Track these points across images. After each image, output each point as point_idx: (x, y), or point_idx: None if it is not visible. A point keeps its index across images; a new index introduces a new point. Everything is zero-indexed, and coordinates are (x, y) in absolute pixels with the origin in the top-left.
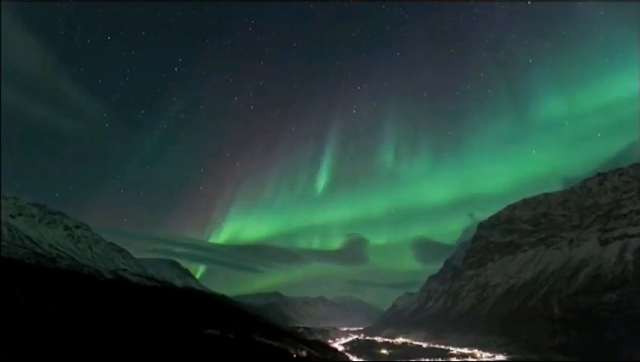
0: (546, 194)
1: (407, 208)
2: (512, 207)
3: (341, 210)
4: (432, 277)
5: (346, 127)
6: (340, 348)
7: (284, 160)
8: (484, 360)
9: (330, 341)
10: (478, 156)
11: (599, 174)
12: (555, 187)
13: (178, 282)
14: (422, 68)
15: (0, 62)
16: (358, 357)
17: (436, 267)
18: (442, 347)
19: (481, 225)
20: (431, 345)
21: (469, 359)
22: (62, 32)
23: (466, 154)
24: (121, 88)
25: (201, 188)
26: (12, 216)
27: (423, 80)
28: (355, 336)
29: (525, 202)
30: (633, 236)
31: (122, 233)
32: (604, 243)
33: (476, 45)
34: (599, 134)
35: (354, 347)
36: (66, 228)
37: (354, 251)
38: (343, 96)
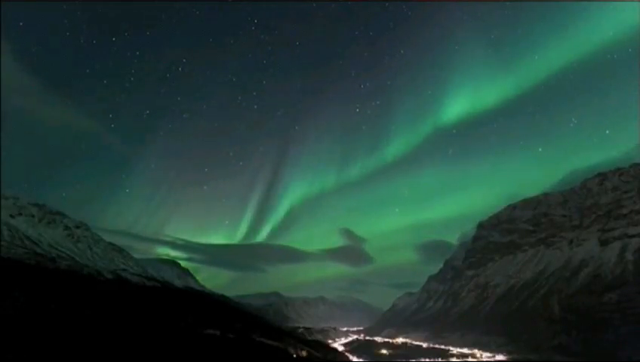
0: (546, 194)
1: (411, 207)
2: (512, 207)
3: (343, 209)
4: (432, 277)
5: (348, 126)
6: (340, 348)
7: (287, 159)
8: (484, 360)
9: (330, 341)
10: (482, 153)
11: (599, 174)
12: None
13: (178, 282)
14: (425, 66)
15: (0, 63)
16: (358, 357)
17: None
18: (442, 347)
19: (481, 225)
20: (431, 345)
21: (469, 359)
22: (67, 34)
23: (470, 150)
24: (125, 88)
25: (205, 187)
26: (12, 216)
27: (427, 78)
28: (355, 336)
29: (525, 202)
30: (633, 236)
31: (122, 233)
32: (604, 243)
33: (480, 43)
34: (607, 131)
35: (354, 347)
36: (66, 228)
37: (353, 250)
38: (346, 94)
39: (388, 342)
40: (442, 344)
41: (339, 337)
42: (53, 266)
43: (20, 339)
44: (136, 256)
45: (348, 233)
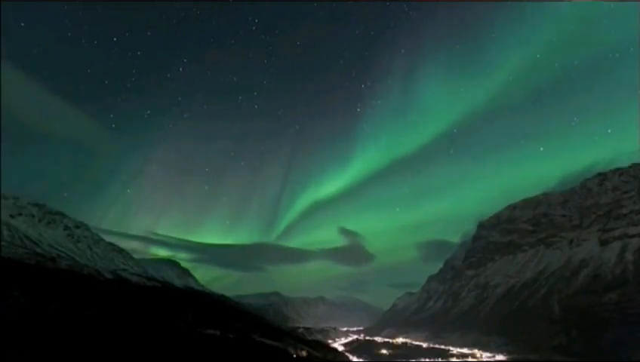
0: (546, 194)
1: (411, 207)
2: (512, 207)
3: (344, 208)
4: (432, 277)
5: (349, 125)
6: (340, 348)
7: (288, 159)
8: (484, 360)
9: (330, 341)
10: (483, 153)
11: (599, 174)
12: (556, 186)
13: (178, 282)
14: (427, 65)
15: (0, 61)
16: (358, 357)
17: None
18: (442, 347)
19: (481, 225)
20: (431, 345)
21: (469, 359)
22: (69, 34)
23: (471, 150)
24: (126, 88)
25: (206, 187)
26: (12, 216)
27: (428, 77)
28: (355, 336)
29: (525, 202)
30: (633, 236)
31: (123, 233)
32: (604, 243)
33: (481, 42)
34: (609, 130)
35: (354, 347)
36: (66, 228)
37: (354, 250)
38: (347, 94)
39: (388, 342)
40: (442, 344)
41: (339, 337)
42: (53, 266)
43: (20, 339)
44: (136, 255)
45: (349, 233)
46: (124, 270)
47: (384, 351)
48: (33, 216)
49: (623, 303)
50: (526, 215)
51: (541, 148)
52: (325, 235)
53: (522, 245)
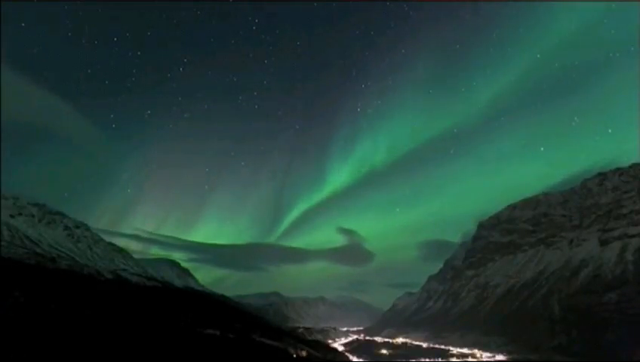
0: (546, 194)
1: (411, 207)
2: (512, 207)
3: (344, 208)
4: (432, 277)
5: (350, 125)
6: (340, 348)
7: (288, 159)
8: (484, 360)
9: (330, 341)
10: (483, 153)
11: (599, 174)
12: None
13: (178, 282)
14: (427, 65)
15: (0, 64)
16: (358, 357)
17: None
18: (442, 347)
19: (481, 225)
20: (431, 345)
21: (469, 359)
22: (69, 34)
23: (473, 150)
24: (127, 88)
25: (206, 187)
26: (12, 216)
27: (429, 77)
28: (355, 336)
29: (525, 202)
30: (633, 236)
31: (122, 233)
32: (604, 243)
33: (481, 41)
34: (610, 130)
35: (354, 347)
36: (66, 228)
37: (354, 250)
38: (348, 94)
39: (388, 342)
40: (442, 344)
41: (339, 337)
42: (53, 266)
43: (20, 339)
44: (135, 255)
45: (348, 233)
46: (124, 270)
47: (384, 351)
48: (33, 216)
49: (623, 303)
50: (526, 215)
51: (541, 148)
52: (325, 235)
53: (522, 245)
